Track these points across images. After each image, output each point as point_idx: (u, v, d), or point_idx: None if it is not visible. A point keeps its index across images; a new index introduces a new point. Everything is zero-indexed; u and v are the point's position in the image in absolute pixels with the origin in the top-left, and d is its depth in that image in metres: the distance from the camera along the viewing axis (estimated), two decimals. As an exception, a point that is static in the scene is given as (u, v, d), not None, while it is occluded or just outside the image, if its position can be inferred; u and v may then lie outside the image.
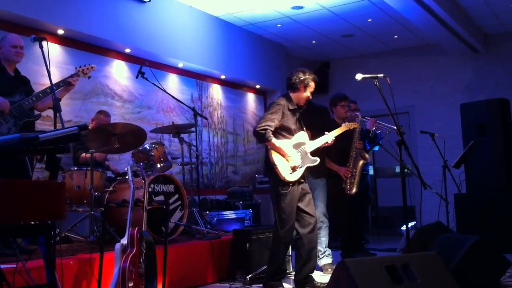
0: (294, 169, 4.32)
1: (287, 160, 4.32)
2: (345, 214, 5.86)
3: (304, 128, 4.57)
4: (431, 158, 8.86)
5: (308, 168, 5.22)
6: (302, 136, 4.52)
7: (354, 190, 5.61)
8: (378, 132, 6.42)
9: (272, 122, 4.34)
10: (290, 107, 4.49)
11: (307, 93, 4.53)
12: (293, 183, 4.33)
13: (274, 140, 4.30)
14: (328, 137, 4.61)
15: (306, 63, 10.67)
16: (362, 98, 8.29)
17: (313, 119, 5.29)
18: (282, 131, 4.42)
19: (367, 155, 5.75)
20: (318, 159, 4.48)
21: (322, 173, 5.41)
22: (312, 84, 4.55)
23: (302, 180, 4.47)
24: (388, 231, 9.68)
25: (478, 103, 7.30)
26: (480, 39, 9.14)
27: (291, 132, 4.45)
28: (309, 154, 4.47)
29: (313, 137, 5.16)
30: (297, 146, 4.43)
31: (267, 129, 4.29)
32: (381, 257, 3.59)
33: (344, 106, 5.92)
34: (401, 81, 9.64)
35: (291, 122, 4.47)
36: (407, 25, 8.62)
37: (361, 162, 5.66)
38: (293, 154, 4.34)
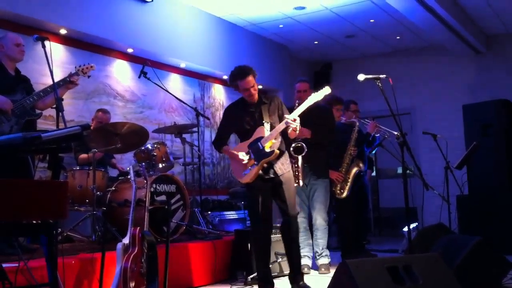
0: (245, 168, 4.24)
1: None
2: (344, 215, 5.90)
3: (265, 121, 4.29)
4: (433, 159, 8.84)
5: (311, 168, 5.26)
6: (259, 131, 4.29)
7: (344, 195, 5.69)
8: (377, 135, 6.41)
9: (220, 133, 4.50)
10: (240, 108, 4.40)
11: (242, 90, 4.33)
12: (253, 182, 4.23)
13: (224, 148, 4.43)
14: (289, 121, 4.17)
15: (308, 63, 10.68)
16: (364, 99, 8.29)
17: (317, 120, 5.31)
18: (240, 135, 4.44)
19: (361, 164, 5.81)
20: (275, 152, 4.17)
21: (326, 173, 5.40)
22: (239, 82, 4.31)
23: (272, 176, 4.27)
24: (390, 232, 9.67)
25: (481, 104, 7.29)
26: (483, 40, 9.13)
27: (248, 132, 4.32)
28: (265, 148, 4.19)
29: (316, 136, 5.20)
30: (253, 143, 4.26)
31: (216, 142, 4.48)
32: (383, 258, 3.59)
33: (339, 110, 5.94)
34: (403, 82, 9.62)
35: (243, 124, 4.34)
36: (410, 26, 8.61)
37: (354, 169, 5.72)
38: (241, 155, 4.24)
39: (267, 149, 4.18)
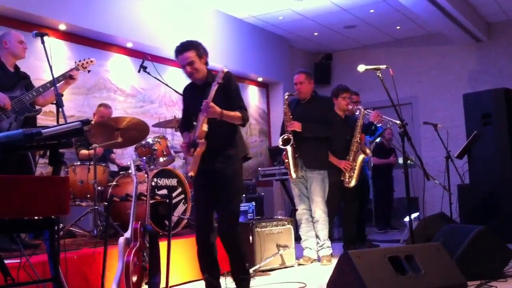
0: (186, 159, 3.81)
1: None
2: (347, 206, 5.93)
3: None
4: (434, 149, 8.86)
5: (303, 160, 5.29)
6: (199, 118, 3.68)
7: (353, 183, 5.66)
8: (379, 125, 6.42)
9: (182, 117, 4.00)
10: (190, 89, 3.91)
11: (182, 67, 3.81)
12: (196, 176, 3.68)
13: (184, 134, 3.91)
14: (205, 114, 3.58)
15: (309, 55, 10.66)
16: (365, 90, 8.28)
17: (315, 110, 5.36)
18: (195, 120, 3.78)
19: (368, 150, 5.79)
20: (202, 142, 3.59)
21: (320, 165, 5.36)
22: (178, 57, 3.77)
23: (212, 170, 3.71)
24: (392, 222, 9.67)
25: (482, 93, 7.26)
26: (483, 28, 9.10)
27: (196, 118, 3.74)
28: (197, 139, 3.62)
29: (305, 131, 5.25)
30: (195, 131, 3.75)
31: (180, 126, 4.06)
32: (385, 248, 3.60)
33: (346, 98, 5.95)
34: (404, 72, 9.62)
35: (192, 107, 3.79)
36: (410, 15, 8.59)
37: (361, 156, 5.70)
38: (184, 143, 3.81)
39: (199, 140, 3.62)
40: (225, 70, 3.61)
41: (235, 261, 3.83)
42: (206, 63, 3.82)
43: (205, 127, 3.59)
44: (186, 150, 3.75)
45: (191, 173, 3.68)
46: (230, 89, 3.73)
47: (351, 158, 5.66)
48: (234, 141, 3.80)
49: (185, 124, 3.95)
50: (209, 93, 3.56)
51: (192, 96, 3.85)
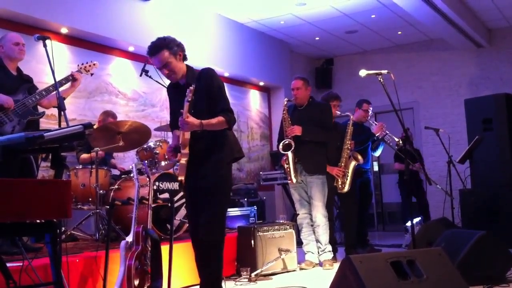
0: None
1: None
2: (347, 211, 5.94)
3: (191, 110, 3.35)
4: (436, 154, 8.85)
5: (303, 165, 5.29)
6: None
7: (346, 189, 5.70)
8: (381, 137, 6.40)
9: (170, 116, 3.76)
10: (172, 88, 3.70)
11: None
12: (185, 179, 3.50)
13: (173, 133, 3.73)
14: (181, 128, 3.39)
15: (310, 59, 10.67)
16: (366, 95, 8.27)
17: (312, 116, 5.38)
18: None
19: (359, 157, 5.79)
20: (184, 152, 3.42)
21: (319, 170, 5.38)
22: (152, 60, 3.56)
23: (202, 174, 3.50)
24: (393, 227, 9.68)
25: (483, 98, 7.27)
26: (484, 34, 9.11)
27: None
28: (181, 147, 3.44)
29: (306, 134, 5.24)
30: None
31: (169, 125, 3.81)
32: (387, 253, 3.58)
33: (336, 106, 5.96)
34: (405, 77, 9.63)
35: (175, 107, 3.57)
36: (411, 20, 8.60)
37: (353, 163, 5.72)
38: (171, 147, 3.65)
39: (182, 149, 3.43)
40: (192, 88, 3.29)
41: (203, 278, 3.55)
42: (184, 58, 3.60)
43: (187, 135, 3.40)
44: (172, 156, 3.58)
45: (180, 178, 3.51)
46: (211, 90, 3.48)
47: (342, 164, 5.69)
48: (220, 144, 3.52)
49: (173, 124, 3.72)
50: (184, 108, 3.27)
51: (176, 97, 3.59)
